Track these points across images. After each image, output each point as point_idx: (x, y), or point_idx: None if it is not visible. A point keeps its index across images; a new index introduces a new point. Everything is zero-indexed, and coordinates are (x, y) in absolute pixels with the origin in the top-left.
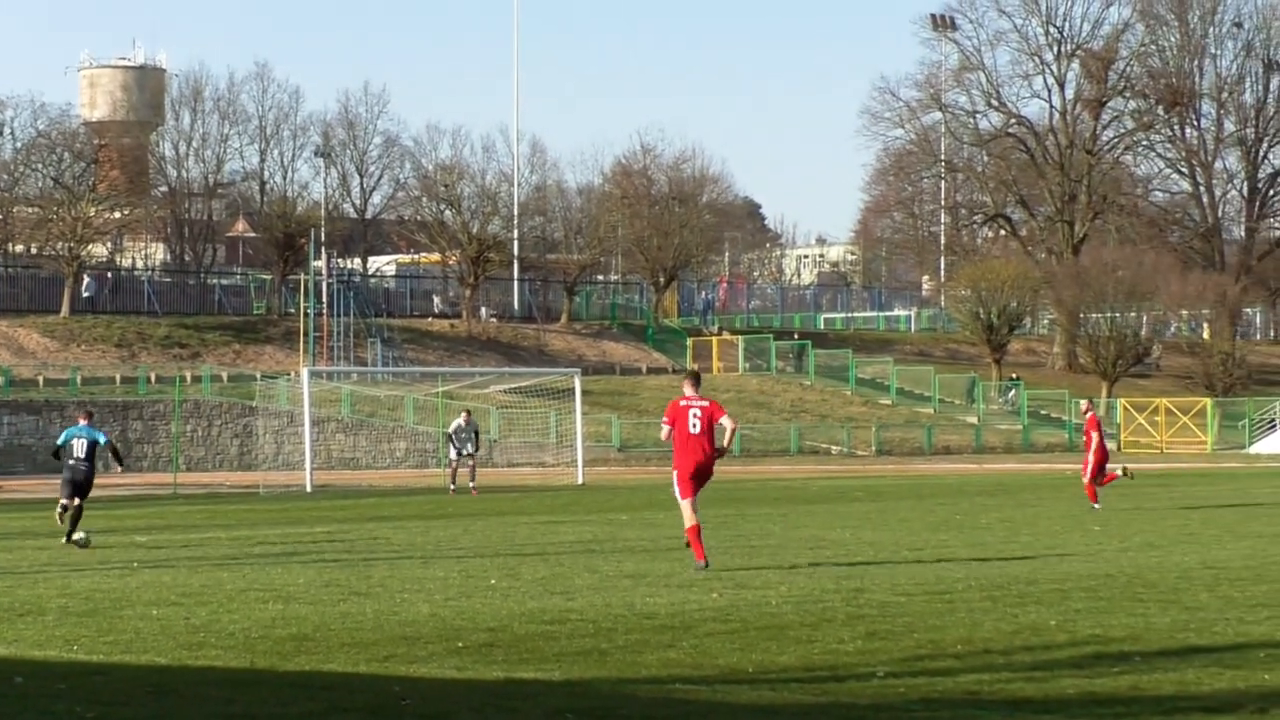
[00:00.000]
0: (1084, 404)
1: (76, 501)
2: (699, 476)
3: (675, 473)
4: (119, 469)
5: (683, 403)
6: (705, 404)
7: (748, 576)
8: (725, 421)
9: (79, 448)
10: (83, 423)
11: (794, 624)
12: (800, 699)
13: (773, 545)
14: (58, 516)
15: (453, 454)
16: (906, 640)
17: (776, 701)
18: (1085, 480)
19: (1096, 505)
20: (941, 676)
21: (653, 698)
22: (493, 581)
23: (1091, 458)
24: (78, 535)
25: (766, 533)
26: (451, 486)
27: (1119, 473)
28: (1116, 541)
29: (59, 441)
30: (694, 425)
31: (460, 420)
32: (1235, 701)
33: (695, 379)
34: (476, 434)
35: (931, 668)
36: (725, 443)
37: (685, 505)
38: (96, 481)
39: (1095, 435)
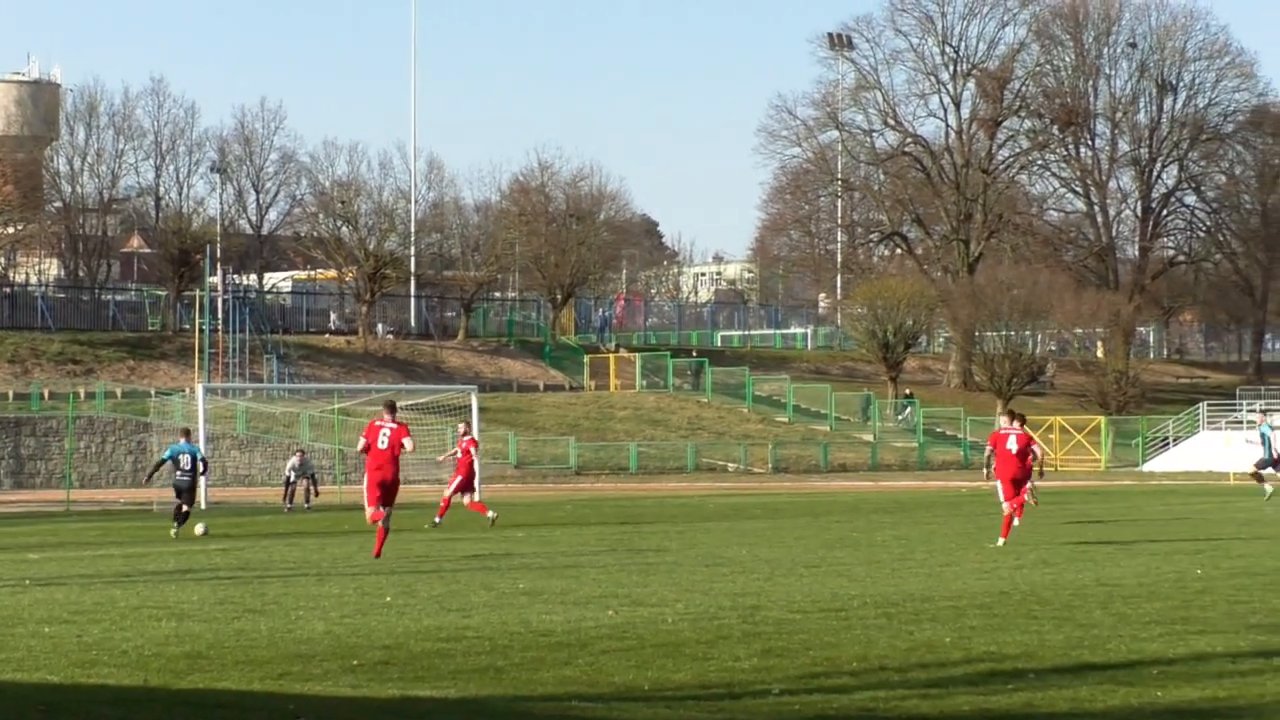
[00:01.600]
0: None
1: (185, 508)
2: (385, 488)
3: (366, 480)
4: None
5: (378, 422)
6: (395, 426)
7: (644, 594)
8: (406, 443)
9: (184, 461)
10: (184, 441)
11: (690, 641)
12: (696, 716)
13: (669, 562)
14: (175, 514)
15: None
16: (802, 658)
17: (672, 719)
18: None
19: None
20: (837, 694)
21: (549, 715)
22: (388, 599)
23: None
24: (198, 529)
25: (663, 550)
26: (288, 506)
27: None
28: (1011, 559)
29: (164, 455)
30: (382, 442)
31: (295, 460)
32: (1128, 718)
33: (391, 408)
34: (313, 477)
35: (827, 685)
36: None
37: (369, 510)
38: None
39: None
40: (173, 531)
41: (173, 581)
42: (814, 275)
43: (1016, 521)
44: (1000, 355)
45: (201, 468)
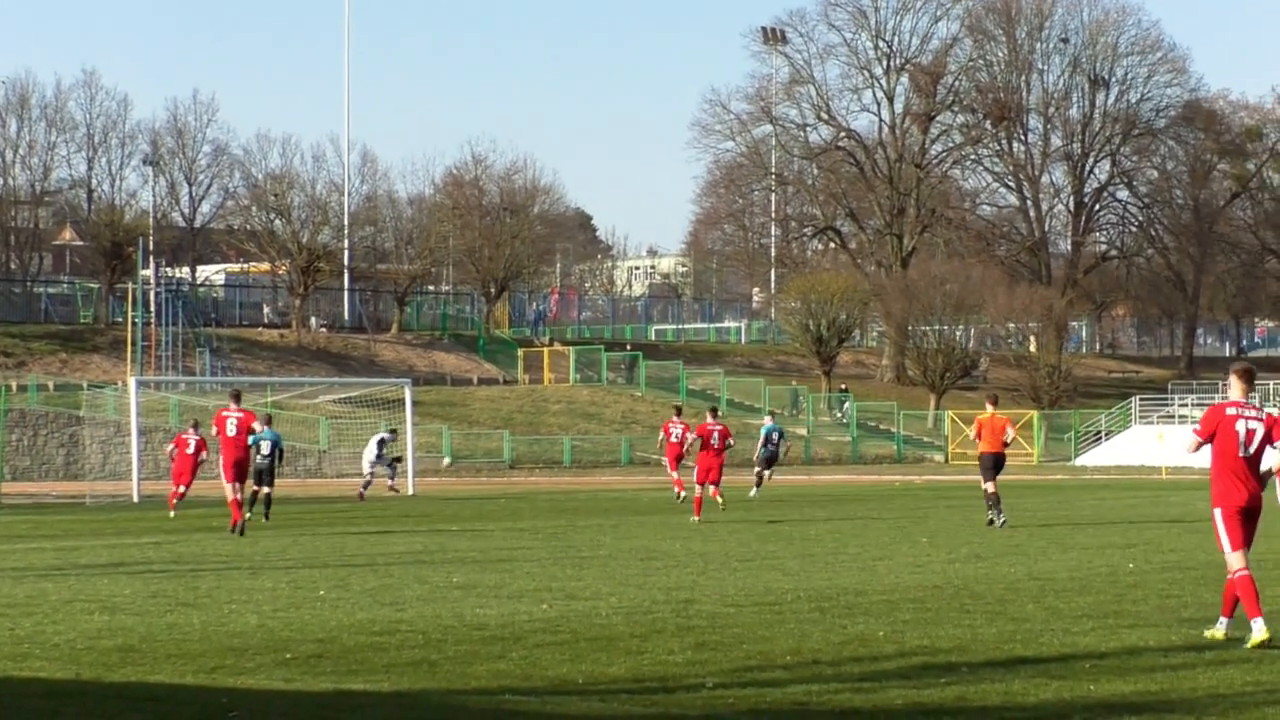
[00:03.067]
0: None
1: (265, 490)
2: (239, 467)
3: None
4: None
5: (225, 413)
6: (241, 414)
7: (578, 588)
8: (255, 426)
9: (265, 446)
10: (266, 427)
11: (624, 635)
12: (630, 710)
13: (603, 556)
14: (250, 499)
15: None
16: (736, 651)
17: (606, 713)
18: None
19: None
20: (770, 687)
21: (482, 709)
22: (322, 592)
23: None
24: (248, 514)
25: (597, 544)
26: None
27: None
28: (944, 553)
29: (251, 440)
30: (231, 429)
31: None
32: (1061, 712)
33: (236, 397)
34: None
35: (760, 679)
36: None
37: (229, 489)
38: None
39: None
40: (247, 513)
41: (105, 575)
42: (748, 269)
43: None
44: (933, 350)
45: (279, 454)
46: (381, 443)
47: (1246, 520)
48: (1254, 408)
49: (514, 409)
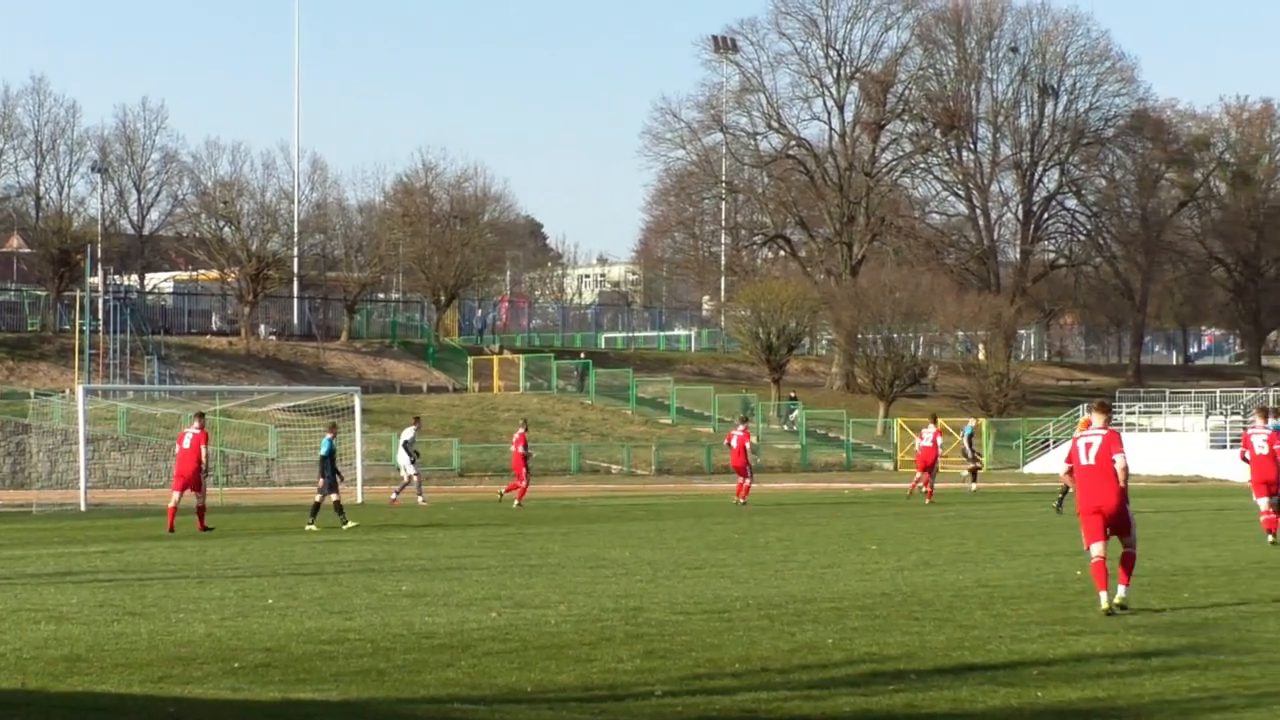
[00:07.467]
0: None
1: (316, 499)
2: (185, 479)
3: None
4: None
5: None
6: (197, 432)
7: (527, 596)
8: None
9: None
10: (329, 436)
11: (573, 643)
12: (579, 718)
13: (552, 564)
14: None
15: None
16: (685, 659)
17: None
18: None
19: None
20: (719, 695)
21: (431, 717)
22: (270, 601)
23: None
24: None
25: (546, 551)
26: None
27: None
28: (893, 560)
29: (323, 453)
30: (186, 442)
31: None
32: (1009, 718)
33: (200, 416)
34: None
35: (710, 686)
36: None
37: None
38: None
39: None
40: (308, 525)
41: (52, 584)
42: (698, 277)
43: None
44: (882, 357)
45: (330, 462)
46: (408, 444)
47: (1102, 518)
48: (1099, 431)
49: (464, 417)
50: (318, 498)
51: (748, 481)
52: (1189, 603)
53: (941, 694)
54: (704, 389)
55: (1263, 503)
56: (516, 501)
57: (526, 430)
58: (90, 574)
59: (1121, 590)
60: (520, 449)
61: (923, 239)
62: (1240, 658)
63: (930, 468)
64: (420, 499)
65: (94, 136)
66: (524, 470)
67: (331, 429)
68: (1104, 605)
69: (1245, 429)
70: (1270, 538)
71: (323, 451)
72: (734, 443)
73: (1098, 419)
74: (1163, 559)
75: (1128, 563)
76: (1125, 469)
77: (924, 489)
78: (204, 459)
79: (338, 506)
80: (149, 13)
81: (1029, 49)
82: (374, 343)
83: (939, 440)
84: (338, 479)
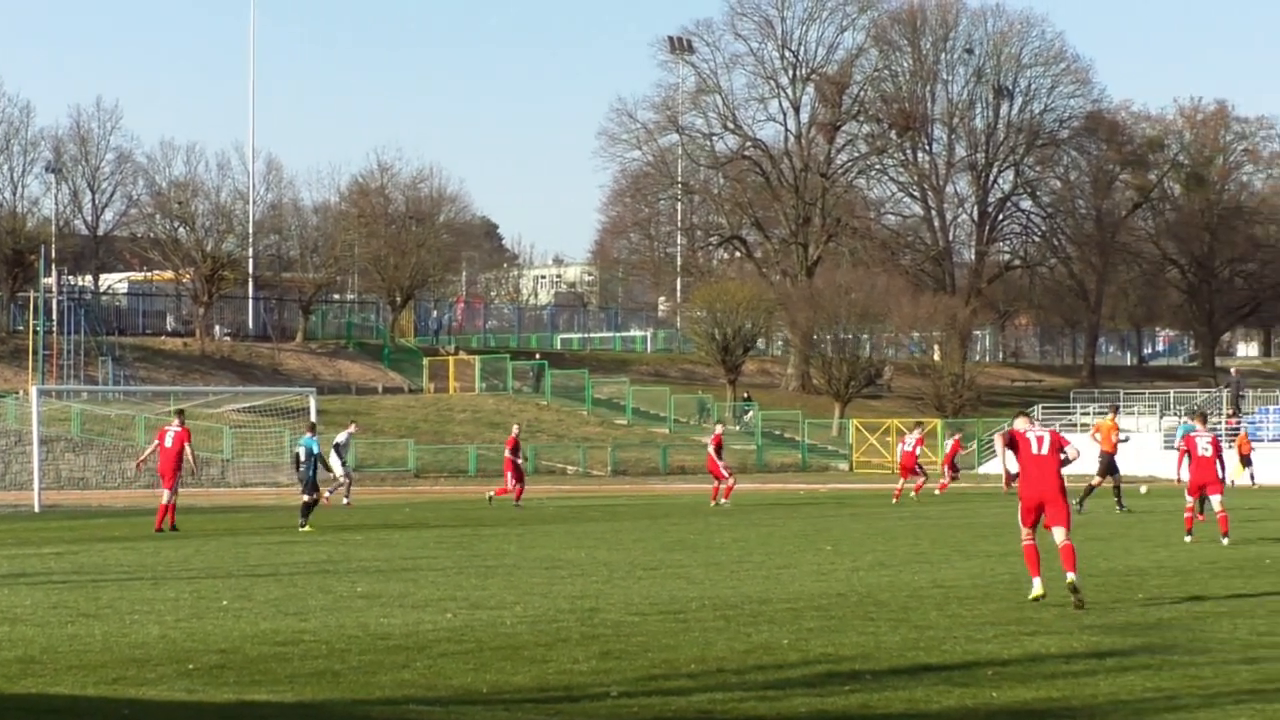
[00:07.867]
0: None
1: (305, 498)
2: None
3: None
4: (328, 473)
5: (166, 428)
6: (179, 430)
7: (482, 597)
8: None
9: (303, 454)
10: (307, 435)
11: (529, 644)
12: (534, 719)
13: (508, 565)
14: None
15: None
16: (641, 660)
17: None
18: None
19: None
20: (675, 696)
21: (386, 719)
22: (225, 602)
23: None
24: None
25: (502, 552)
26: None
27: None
28: (848, 561)
29: (297, 451)
30: (169, 442)
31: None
32: (964, 718)
33: (180, 414)
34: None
35: (665, 687)
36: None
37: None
38: None
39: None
40: (299, 527)
41: (5, 585)
42: (654, 278)
43: None
44: (838, 359)
45: (315, 462)
46: (339, 445)
47: (1038, 506)
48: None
49: (419, 418)
50: (306, 497)
51: (728, 482)
52: (1143, 603)
53: (897, 694)
54: (660, 390)
55: (1191, 500)
56: (515, 502)
57: (518, 434)
58: (44, 575)
59: (1071, 575)
60: (508, 452)
61: (878, 240)
62: (1194, 658)
63: (912, 471)
64: (345, 500)
65: (48, 136)
66: (511, 473)
67: (311, 429)
68: (1037, 591)
69: (1189, 432)
70: (1188, 537)
71: (315, 450)
72: (908, 445)
73: (1021, 424)
74: (1117, 559)
75: (1070, 553)
76: (1078, 452)
77: (912, 492)
78: (189, 457)
79: (305, 507)
80: (104, 12)
81: (984, 50)
82: (329, 344)
83: (920, 448)
84: (338, 478)
